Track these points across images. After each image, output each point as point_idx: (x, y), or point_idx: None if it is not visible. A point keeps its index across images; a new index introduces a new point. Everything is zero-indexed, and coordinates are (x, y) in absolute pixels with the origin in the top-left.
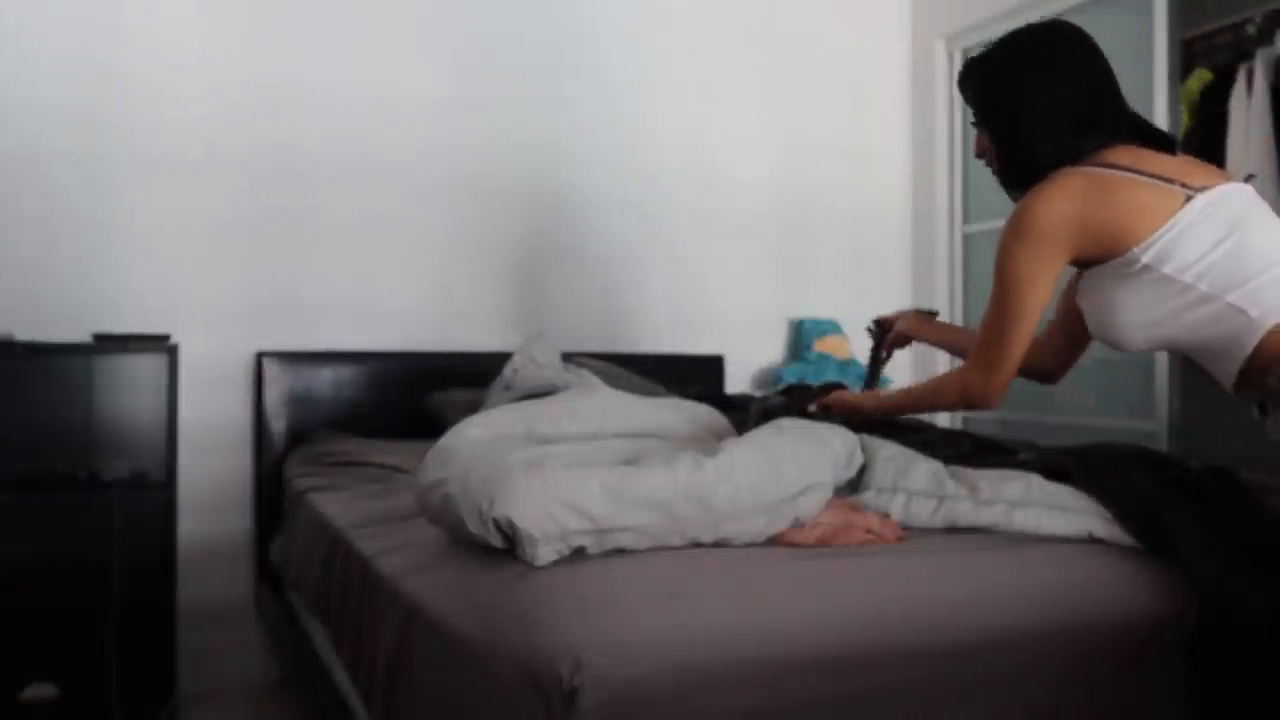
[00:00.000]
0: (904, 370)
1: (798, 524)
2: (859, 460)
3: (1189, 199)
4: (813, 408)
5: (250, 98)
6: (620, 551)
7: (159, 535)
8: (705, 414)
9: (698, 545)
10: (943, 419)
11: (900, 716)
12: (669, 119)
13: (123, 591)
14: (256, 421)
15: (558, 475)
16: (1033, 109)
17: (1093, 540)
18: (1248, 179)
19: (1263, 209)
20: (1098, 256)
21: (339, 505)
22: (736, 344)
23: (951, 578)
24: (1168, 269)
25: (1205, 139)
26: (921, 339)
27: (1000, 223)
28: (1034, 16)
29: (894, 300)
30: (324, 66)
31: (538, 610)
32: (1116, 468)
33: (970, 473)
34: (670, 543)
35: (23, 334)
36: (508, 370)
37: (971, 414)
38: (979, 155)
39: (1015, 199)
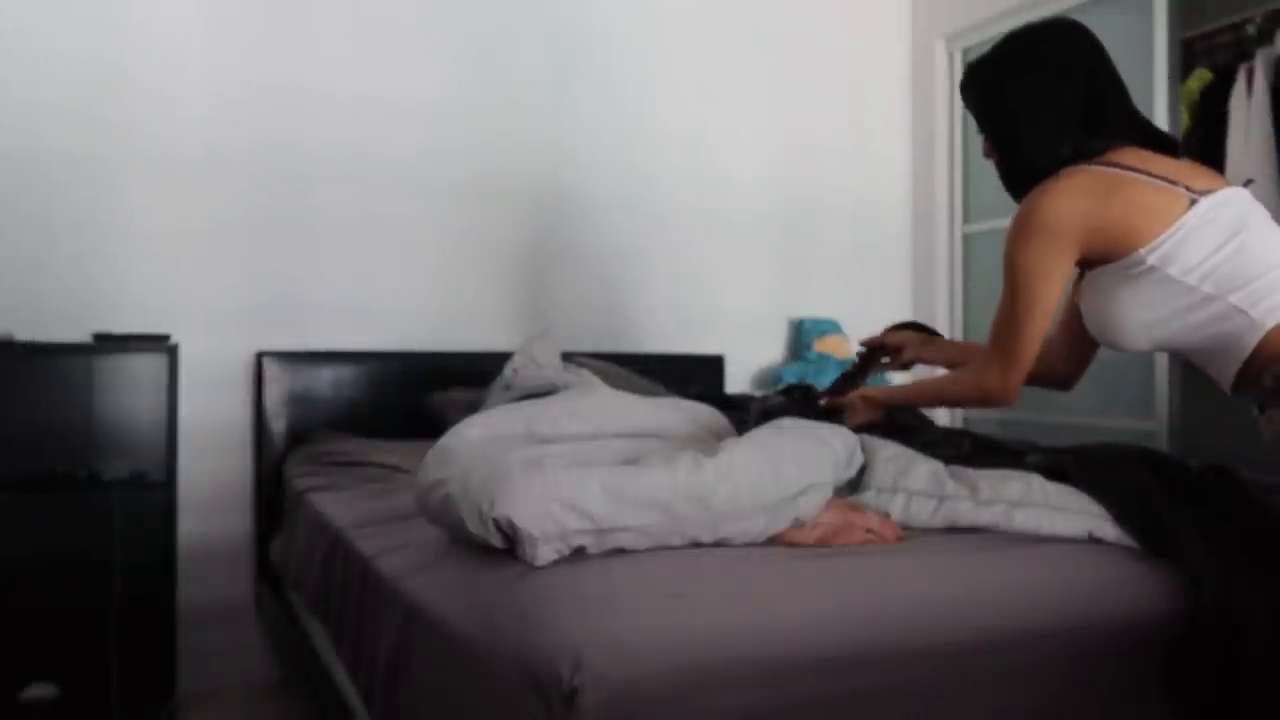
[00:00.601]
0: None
1: (798, 524)
2: (859, 460)
3: (1193, 202)
4: (824, 402)
5: (250, 98)
6: (620, 551)
7: (159, 535)
8: (705, 414)
9: (698, 545)
10: (942, 418)
11: (900, 716)
12: (670, 118)
13: (123, 591)
14: (256, 421)
15: (558, 475)
16: (1030, 113)
17: (1093, 540)
18: (1247, 184)
19: (1261, 213)
20: (1103, 255)
21: (339, 505)
22: (737, 344)
23: (951, 578)
24: (1172, 270)
25: (1205, 139)
26: (924, 360)
27: (1001, 222)
28: (1034, 16)
29: (894, 300)
30: (324, 66)
31: (538, 610)
32: (1116, 468)
33: (970, 473)
34: (670, 543)
35: (23, 334)
36: (508, 370)
37: (972, 414)
38: (987, 157)
39: (1019, 202)
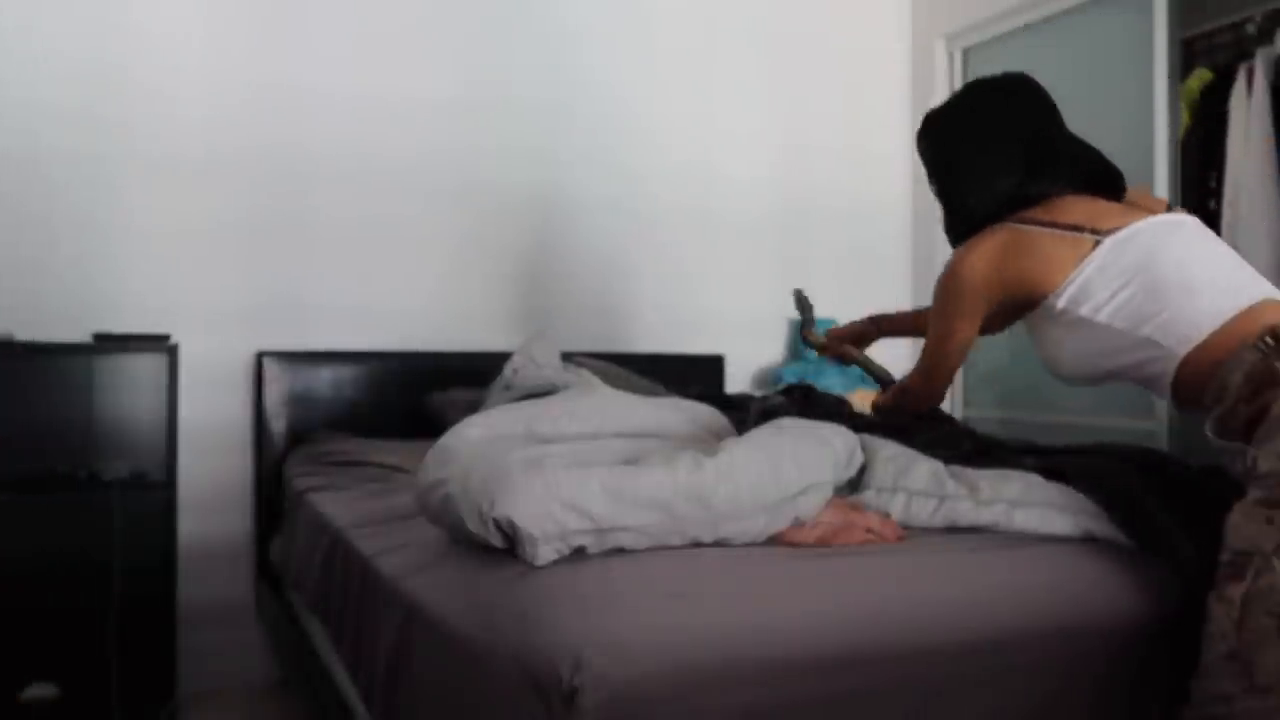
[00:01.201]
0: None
1: (798, 523)
2: (859, 460)
3: (1097, 244)
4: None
5: (250, 98)
6: (620, 551)
7: (159, 535)
8: (705, 414)
9: (698, 545)
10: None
11: (900, 716)
12: (669, 119)
13: (123, 591)
14: (256, 421)
15: (558, 475)
16: (966, 167)
17: (1092, 540)
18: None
19: (1180, 238)
20: (1020, 301)
21: (339, 505)
22: (736, 344)
23: (951, 578)
24: (1084, 311)
25: (1205, 139)
26: (879, 331)
27: None
28: (1034, 16)
29: (893, 300)
30: (324, 66)
31: (538, 610)
32: (1114, 468)
33: (970, 473)
34: (670, 542)
35: (23, 334)
36: (508, 370)
37: (972, 414)
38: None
39: (955, 248)
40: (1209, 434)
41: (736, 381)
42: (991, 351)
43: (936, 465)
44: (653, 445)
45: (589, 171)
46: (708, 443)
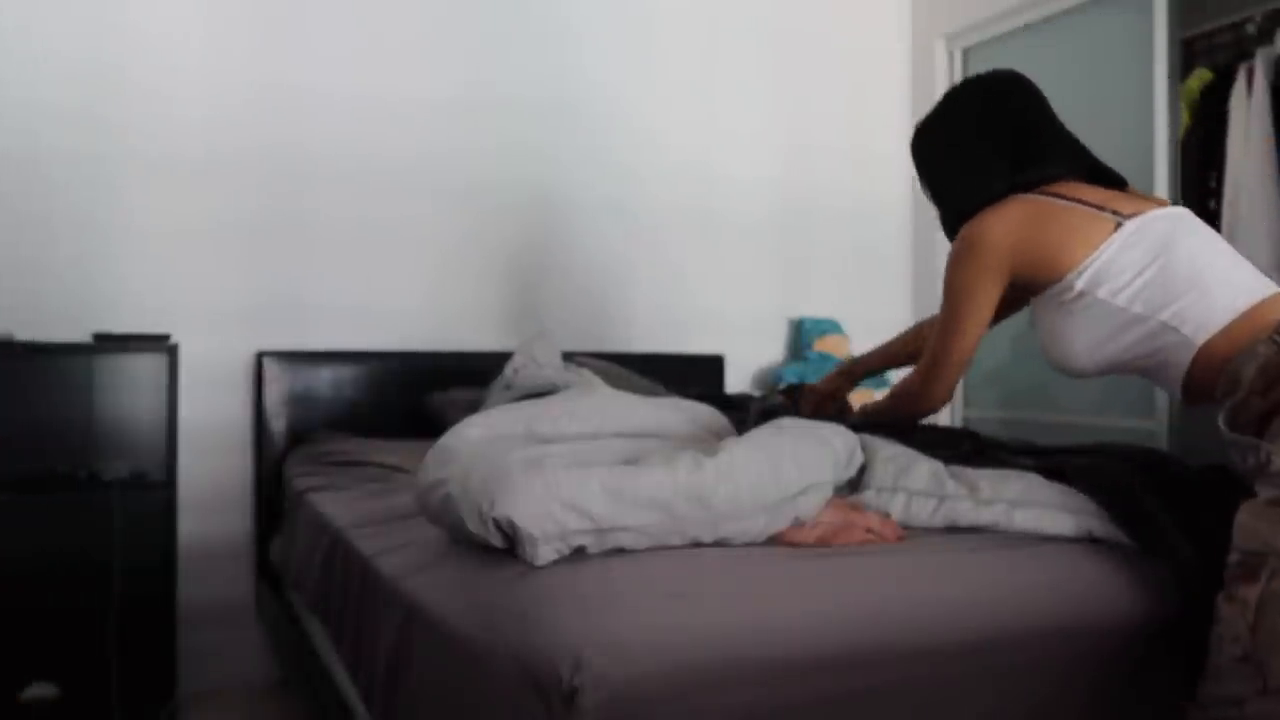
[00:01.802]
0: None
1: (798, 524)
2: (859, 460)
3: (1119, 225)
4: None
5: (250, 98)
6: (620, 551)
7: (159, 535)
8: (705, 414)
9: (698, 545)
10: (943, 418)
11: (900, 715)
12: (670, 119)
13: (123, 591)
14: (256, 421)
15: (558, 475)
16: (957, 165)
17: (1093, 540)
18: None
19: (1188, 229)
20: (1035, 278)
21: (339, 505)
22: (736, 344)
23: (951, 578)
24: (1101, 293)
25: (1205, 139)
26: (853, 379)
27: None
28: (1033, 16)
29: (893, 300)
30: (323, 67)
31: (538, 610)
32: (1114, 468)
33: (970, 473)
34: (670, 542)
35: (23, 334)
36: (508, 370)
37: (972, 414)
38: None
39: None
40: (1221, 425)
41: (736, 381)
42: (993, 351)
43: (936, 465)
44: (653, 445)
45: (590, 172)
46: (708, 443)
